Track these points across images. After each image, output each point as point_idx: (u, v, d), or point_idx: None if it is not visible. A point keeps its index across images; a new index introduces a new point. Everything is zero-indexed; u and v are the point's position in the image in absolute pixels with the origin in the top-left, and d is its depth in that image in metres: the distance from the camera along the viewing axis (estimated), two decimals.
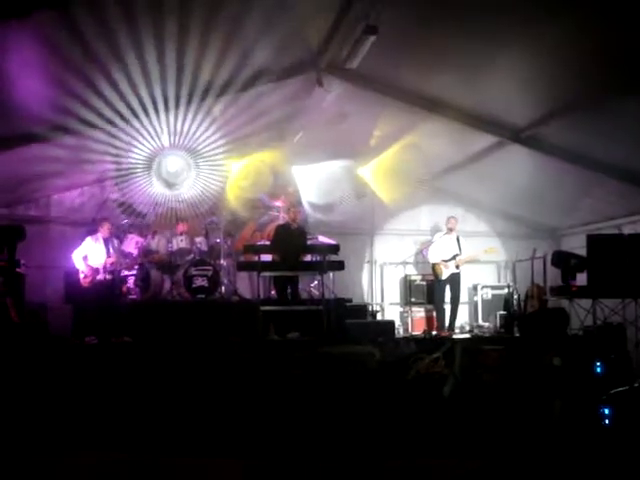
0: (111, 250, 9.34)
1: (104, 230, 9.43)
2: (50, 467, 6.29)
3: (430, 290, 12.15)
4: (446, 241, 11.12)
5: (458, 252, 11.01)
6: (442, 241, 11.13)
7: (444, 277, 10.96)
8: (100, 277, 9.21)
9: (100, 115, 8.92)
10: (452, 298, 11.03)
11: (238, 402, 7.50)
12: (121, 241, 10.35)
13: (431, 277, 11.59)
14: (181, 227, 11.43)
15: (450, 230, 11.18)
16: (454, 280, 11.00)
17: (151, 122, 9.86)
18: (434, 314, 11.62)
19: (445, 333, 10.66)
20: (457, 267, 10.97)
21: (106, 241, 9.38)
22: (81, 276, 9.20)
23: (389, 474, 6.34)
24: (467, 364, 8.23)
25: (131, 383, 7.56)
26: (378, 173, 12.62)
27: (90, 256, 9.23)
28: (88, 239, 9.45)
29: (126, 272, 10.17)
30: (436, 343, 8.70)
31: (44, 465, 6.34)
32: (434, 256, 11.11)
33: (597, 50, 7.35)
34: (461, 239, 11.22)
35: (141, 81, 8.36)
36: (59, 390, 7.42)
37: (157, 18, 7.10)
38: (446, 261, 10.96)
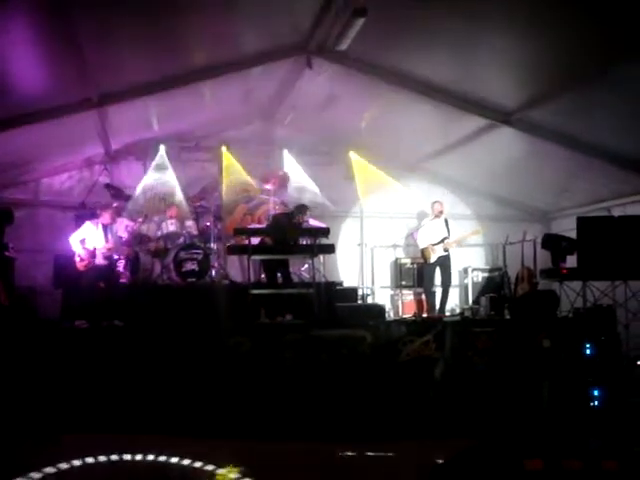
0: (109, 237, 9.27)
1: (105, 217, 9.32)
2: (38, 450, 6.30)
3: (420, 273, 12.10)
4: (435, 225, 11.04)
5: (446, 235, 10.98)
6: (431, 225, 11.08)
7: (432, 260, 10.94)
8: (96, 262, 9.14)
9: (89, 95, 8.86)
10: (443, 281, 10.97)
11: (229, 384, 7.52)
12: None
13: (421, 260, 11.55)
14: (171, 211, 11.36)
15: (440, 213, 11.12)
16: (443, 263, 10.94)
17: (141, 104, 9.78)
18: (423, 297, 11.65)
19: (435, 316, 10.67)
20: (446, 250, 10.95)
21: (105, 228, 9.29)
22: (77, 259, 9.11)
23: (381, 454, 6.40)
24: (458, 346, 8.26)
25: (122, 366, 7.56)
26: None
27: (88, 240, 9.15)
28: (88, 223, 9.33)
29: (116, 255, 10.10)
30: (427, 326, 8.72)
31: (32, 448, 6.35)
32: (422, 240, 11.07)
33: (587, 33, 7.34)
34: (450, 222, 11.17)
35: (132, 60, 8.29)
36: (49, 374, 7.41)
37: None
38: (434, 245, 10.93)
